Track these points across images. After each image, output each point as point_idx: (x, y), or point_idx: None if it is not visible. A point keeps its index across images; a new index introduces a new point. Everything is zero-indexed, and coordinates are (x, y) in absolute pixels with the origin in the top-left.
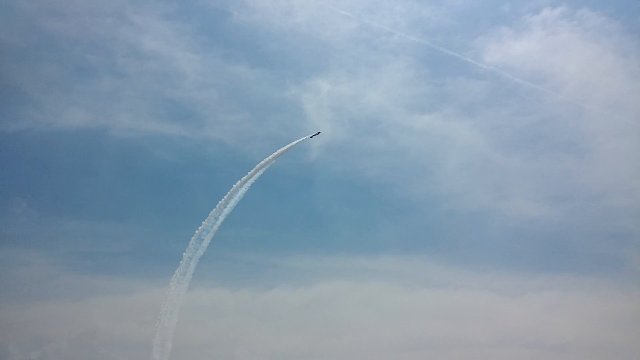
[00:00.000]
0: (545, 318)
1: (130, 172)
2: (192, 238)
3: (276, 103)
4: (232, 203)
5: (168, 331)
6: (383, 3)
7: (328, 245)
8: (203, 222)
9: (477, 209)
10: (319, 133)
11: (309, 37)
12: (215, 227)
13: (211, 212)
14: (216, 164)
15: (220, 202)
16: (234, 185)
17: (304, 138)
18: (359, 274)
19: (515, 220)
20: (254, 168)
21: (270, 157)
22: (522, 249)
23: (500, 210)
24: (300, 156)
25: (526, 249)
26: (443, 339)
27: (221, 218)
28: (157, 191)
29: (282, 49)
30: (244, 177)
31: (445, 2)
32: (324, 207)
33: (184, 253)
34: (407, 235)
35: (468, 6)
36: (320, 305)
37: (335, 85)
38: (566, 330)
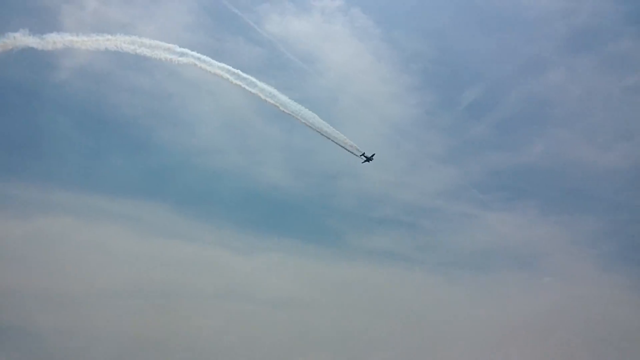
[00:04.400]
0: (268, 276)
1: None
2: None
3: None
4: None
5: None
6: None
7: (57, 177)
8: None
9: (228, 168)
10: (373, 157)
11: None
12: None
13: None
14: None
15: None
16: None
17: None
18: (90, 213)
19: (260, 185)
20: None
21: None
22: (260, 211)
23: (250, 173)
24: (44, 72)
25: (264, 212)
26: (169, 288)
27: None
28: None
29: None
30: None
31: None
32: (60, 133)
33: None
34: (152, 181)
35: None
36: (40, 242)
37: (103, 5)
38: (283, 288)
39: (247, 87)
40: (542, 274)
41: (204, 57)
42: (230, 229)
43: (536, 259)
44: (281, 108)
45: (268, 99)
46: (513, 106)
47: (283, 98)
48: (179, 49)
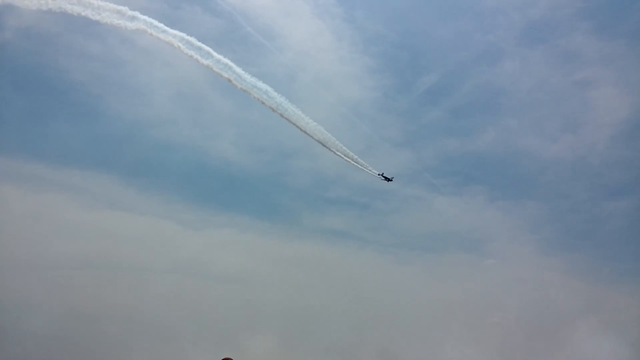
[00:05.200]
0: (219, 252)
1: None
2: None
3: None
4: None
5: None
6: None
7: None
8: None
9: (181, 140)
10: (392, 179)
11: None
12: None
13: None
14: None
15: None
16: None
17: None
18: (33, 181)
19: (213, 159)
20: None
21: None
22: (213, 186)
23: (203, 147)
24: None
25: (217, 187)
26: (116, 261)
27: None
28: None
29: None
30: None
31: None
32: (1, 96)
33: None
34: (100, 151)
35: None
36: None
37: None
38: (234, 264)
39: (200, 58)
40: (486, 257)
41: (155, 22)
42: (181, 203)
43: (481, 242)
44: (234, 82)
45: (222, 73)
46: (468, 94)
47: (238, 71)
48: (129, 12)
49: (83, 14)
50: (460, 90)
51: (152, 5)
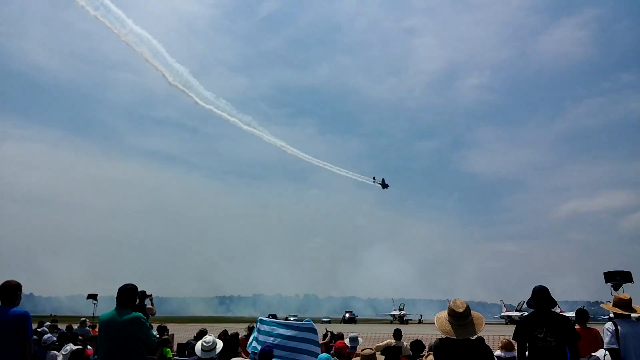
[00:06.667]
0: (24, 170)
1: None
2: None
3: None
4: None
5: None
6: None
7: None
8: None
9: None
10: (387, 186)
11: None
12: None
13: None
14: None
15: None
16: None
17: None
18: None
19: (20, 63)
20: None
21: None
22: (18, 95)
23: (5, 47)
24: None
25: (21, 95)
26: None
27: None
28: None
29: None
30: None
31: None
32: None
33: None
34: None
35: None
36: None
37: None
38: (41, 184)
39: None
40: (311, 186)
41: None
42: None
43: (307, 173)
44: None
45: None
46: (307, 26)
47: None
48: None
49: None
50: (300, 21)
51: None
